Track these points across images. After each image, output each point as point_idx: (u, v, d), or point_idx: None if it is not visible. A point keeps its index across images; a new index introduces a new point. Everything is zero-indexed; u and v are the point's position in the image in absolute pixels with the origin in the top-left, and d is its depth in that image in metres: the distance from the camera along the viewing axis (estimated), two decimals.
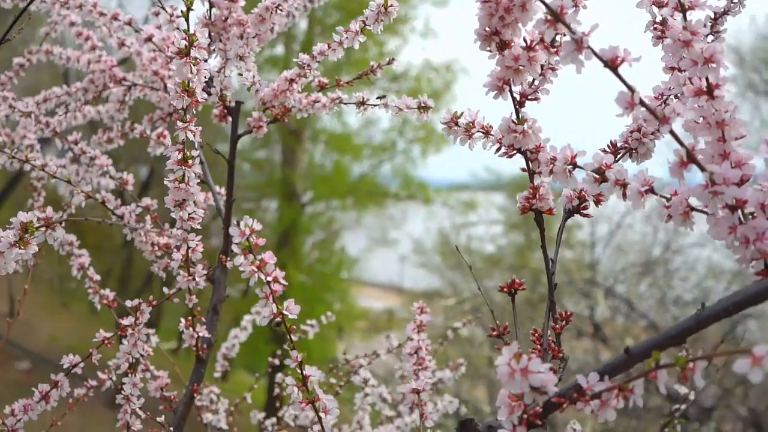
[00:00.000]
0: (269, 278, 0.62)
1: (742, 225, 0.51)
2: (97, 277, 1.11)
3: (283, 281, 0.63)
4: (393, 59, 1.01)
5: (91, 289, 1.09)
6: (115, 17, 1.11)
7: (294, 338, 1.22)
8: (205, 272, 0.91)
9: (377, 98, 0.97)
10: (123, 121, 1.22)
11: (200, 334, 0.98)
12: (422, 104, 0.85)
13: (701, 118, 0.54)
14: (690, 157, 0.52)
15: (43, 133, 1.23)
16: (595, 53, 0.50)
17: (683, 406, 1.09)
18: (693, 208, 0.54)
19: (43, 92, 1.21)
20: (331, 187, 11.69)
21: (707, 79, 0.53)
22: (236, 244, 0.61)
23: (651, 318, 6.54)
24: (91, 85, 1.19)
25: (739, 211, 0.53)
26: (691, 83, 0.55)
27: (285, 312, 0.63)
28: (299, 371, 0.65)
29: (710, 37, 0.72)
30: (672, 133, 0.51)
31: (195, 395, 1.00)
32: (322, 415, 0.65)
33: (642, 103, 0.50)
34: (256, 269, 0.62)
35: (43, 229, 0.68)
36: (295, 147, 11.34)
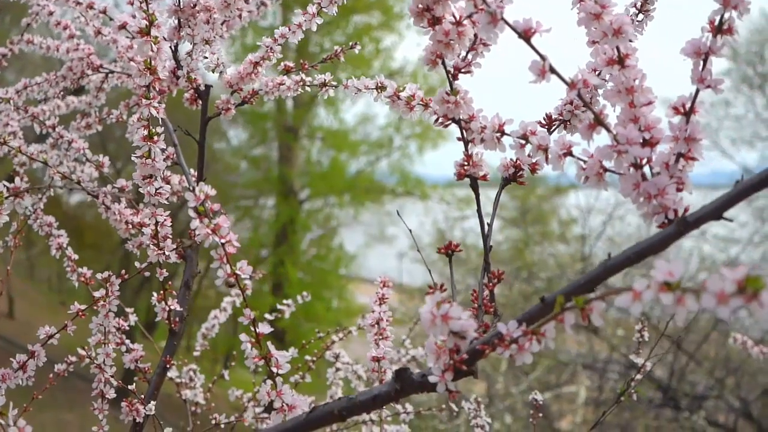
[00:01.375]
0: (223, 240, 0.66)
1: (645, 181, 0.55)
2: (75, 257, 1.15)
3: (236, 243, 0.67)
4: (356, 43, 1.05)
5: (69, 267, 1.14)
6: (90, 6, 1.15)
7: (279, 320, 1.25)
8: (174, 246, 0.96)
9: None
10: (101, 108, 1.27)
11: (172, 308, 1.02)
12: (379, 84, 0.89)
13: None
14: (598, 121, 0.56)
15: (24, 121, 1.27)
16: (509, 25, 0.55)
17: (639, 377, 1.13)
18: (606, 169, 0.59)
19: (23, 80, 1.25)
20: (329, 184, 11.74)
21: (618, 49, 0.58)
22: (191, 208, 0.65)
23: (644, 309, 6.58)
24: (69, 72, 1.24)
25: (647, 169, 0.57)
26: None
27: (238, 272, 0.67)
28: (253, 329, 0.69)
29: (640, 16, 0.76)
30: (580, 97, 0.56)
31: (168, 366, 1.04)
32: (274, 369, 0.69)
33: (552, 70, 0.55)
34: (210, 232, 0.66)
35: (12, 198, 0.72)
36: (292, 144, 11.40)
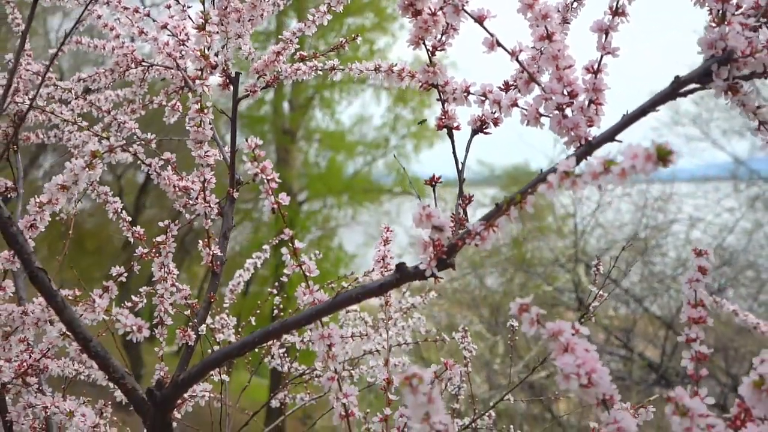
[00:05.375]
0: (269, 177, 0.91)
1: (565, 119, 0.79)
2: (129, 218, 1.39)
3: (278, 180, 0.91)
4: (357, 35, 1.29)
5: (125, 227, 1.37)
6: (136, 10, 1.39)
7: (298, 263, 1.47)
8: (217, 201, 1.20)
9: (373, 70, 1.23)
10: (143, 96, 1.51)
11: (215, 253, 1.26)
12: (377, 66, 1.13)
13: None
14: (531, 78, 0.80)
15: (81, 109, 1.51)
16: (467, 13, 0.79)
17: (596, 304, 1.37)
18: (540, 114, 0.83)
19: (77, 74, 1.49)
20: (327, 185, 11.97)
21: (546, 28, 0.82)
22: (245, 154, 0.89)
23: (634, 292, 6.87)
24: (116, 66, 1.48)
25: (569, 111, 0.81)
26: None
27: (280, 200, 0.91)
28: (291, 245, 0.93)
29: (575, 4, 1.00)
30: (519, 62, 0.80)
31: (212, 301, 1.28)
32: (307, 273, 0.93)
33: (498, 44, 0.79)
34: (259, 171, 0.90)
35: (108, 153, 0.96)
36: (289, 146, 11.64)
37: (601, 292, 1.38)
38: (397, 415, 0.94)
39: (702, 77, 0.72)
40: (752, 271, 7.73)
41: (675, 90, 0.73)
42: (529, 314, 0.68)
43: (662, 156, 0.56)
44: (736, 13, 0.74)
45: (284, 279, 1.83)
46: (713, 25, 0.73)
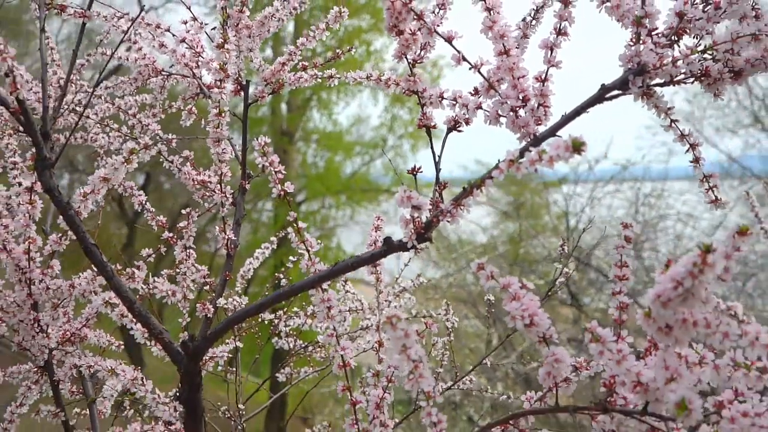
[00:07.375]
0: (276, 169, 1.10)
1: (518, 119, 0.99)
2: (153, 210, 1.58)
3: (283, 171, 1.10)
4: (351, 47, 1.48)
5: (150, 216, 1.56)
6: (158, 26, 1.58)
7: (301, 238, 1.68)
8: (232, 191, 1.39)
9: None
10: (163, 101, 1.70)
11: (230, 237, 1.45)
12: (368, 75, 1.32)
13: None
14: (490, 86, 0.99)
15: (104, 113, 1.70)
16: (439, 34, 0.98)
17: (561, 280, 1.56)
18: (500, 114, 1.02)
19: (105, 82, 1.68)
20: (325, 185, 12.15)
21: (503, 45, 1.01)
22: (256, 150, 1.08)
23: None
24: (139, 75, 1.67)
25: (522, 112, 1.00)
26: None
27: (286, 188, 1.10)
28: (296, 225, 1.12)
29: (534, 21, 1.19)
30: (480, 73, 0.99)
31: (227, 279, 1.47)
32: (309, 248, 1.12)
33: (464, 58, 0.98)
34: (268, 165, 1.09)
35: (143, 149, 1.15)
36: (287, 147, 11.82)
37: (566, 270, 1.57)
38: (386, 366, 1.13)
39: (621, 85, 0.91)
40: (741, 265, 7.93)
41: (602, 95, 0.92)
42: (485, 271, 0.87)
43: (576, 147, 0.75)
44: (653, 33, 0.94)
45: (290, 265, 2.02)
46: (631, 43, 0.92)
